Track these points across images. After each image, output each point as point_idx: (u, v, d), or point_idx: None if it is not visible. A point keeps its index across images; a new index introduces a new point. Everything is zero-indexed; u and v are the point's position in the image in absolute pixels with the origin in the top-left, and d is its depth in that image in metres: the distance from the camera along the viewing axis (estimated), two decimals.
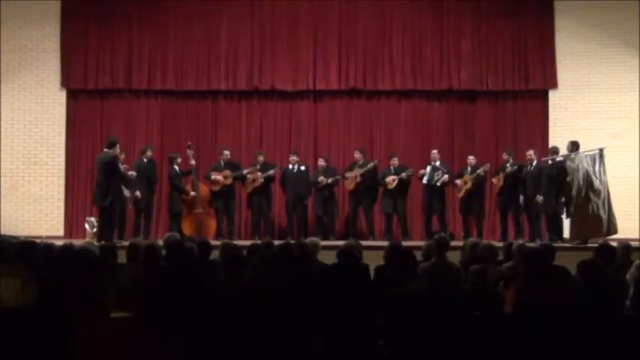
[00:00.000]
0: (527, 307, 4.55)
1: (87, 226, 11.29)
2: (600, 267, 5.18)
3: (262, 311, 4.26)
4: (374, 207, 11.55)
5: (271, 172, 11.38)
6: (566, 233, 10.62)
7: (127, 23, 12.41)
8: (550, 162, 10.69)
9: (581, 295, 4.85)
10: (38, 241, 6.60)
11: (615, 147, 11.11)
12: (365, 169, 11.27)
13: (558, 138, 11.69)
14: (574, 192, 10.16)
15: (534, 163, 10.80)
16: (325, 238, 10.57)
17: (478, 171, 11.11)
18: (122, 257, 6.43)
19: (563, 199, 10.42)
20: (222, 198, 11.30)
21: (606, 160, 10.37)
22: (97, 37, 12.34)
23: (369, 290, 5.31)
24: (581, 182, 10.16)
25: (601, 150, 10.35)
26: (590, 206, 10.16)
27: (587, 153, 10.37)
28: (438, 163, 11.37)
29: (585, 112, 12.13)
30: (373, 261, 6.30)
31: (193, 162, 11.34)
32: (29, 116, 12.29)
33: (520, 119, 12.48)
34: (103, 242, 9.25)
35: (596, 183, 10.21)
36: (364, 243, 7.68)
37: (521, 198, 10.87)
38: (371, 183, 11.36)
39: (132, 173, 10.67)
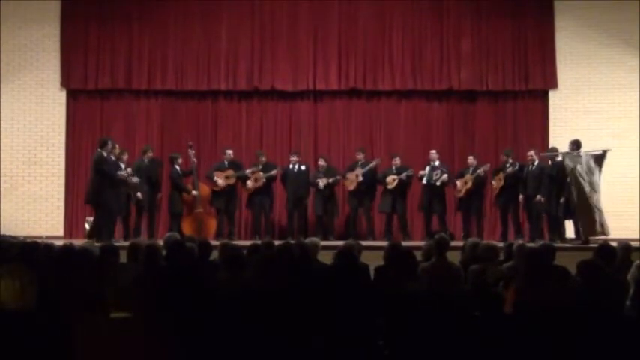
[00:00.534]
0: (527, 307, 4.55)
1: (87, 226, 11.28)
2: (600, 267, 5.18)
3: (262, 311, 4.26)
4: (374, 207, 11.56)
5: (273, 172, 11.38)
6: (566, 233, 10.61)
7: (127, 23, 12.40)
8: (549, 161, 10.68)
9: (581, 295, 4.85)
10: (39, 241, 6.60)
11: (615, 147, 11.07)
12: (366, 168, 11.27)
13: (558, 138, 11.69)
14: (574, 192, 10.15)
15: (536, 163, 10.79)
16: (325, 238, 10.56)
17: (478, 171, 11.11)
18: (122, 257, 6.42)
19: (562, 200, 10.41)
20: (224, 197, 11.30)
21: (605, 161, 10.35)
22: (97, 37, 12.34)
23: (369, 290, 5.31)
24: (581, 182, 10.15)
25: (604, 152, 10.30)
26: (590, 206, 10.15)
27: (590, 152, 10.35)
28: (437, 163, 11.36)
29: (585, 112, 12.12)
30: (373, 261, 6.29)
31: (195, 160, 11.35)
32: (29, 116, 12.29)
33: (520, 119, 12.48)
34: (94, 239, 9.40)
35: (596, 183, 10.19)
36: (364, 243, 7.67)
37: (521, 198, 10.86)
38: (371, 183, 11.36)
39: (135, 179, 10.65)
